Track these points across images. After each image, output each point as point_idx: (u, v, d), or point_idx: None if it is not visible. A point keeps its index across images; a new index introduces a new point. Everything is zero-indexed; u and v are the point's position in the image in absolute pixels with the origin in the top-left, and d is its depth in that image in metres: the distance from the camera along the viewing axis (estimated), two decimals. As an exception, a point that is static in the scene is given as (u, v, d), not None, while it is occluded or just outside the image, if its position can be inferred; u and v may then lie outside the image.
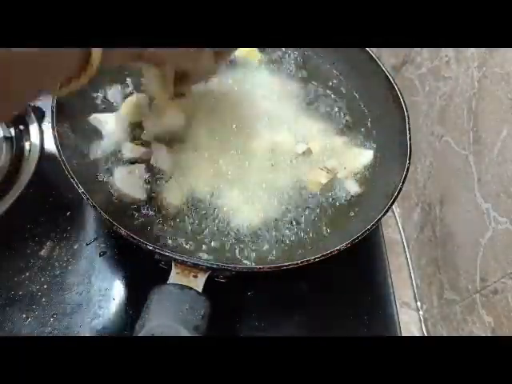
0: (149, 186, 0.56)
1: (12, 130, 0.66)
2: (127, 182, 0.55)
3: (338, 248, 0.48)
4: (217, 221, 0.55)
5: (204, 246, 0.53)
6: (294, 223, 0.56)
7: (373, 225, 0.50)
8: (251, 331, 0.56)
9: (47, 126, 0.68)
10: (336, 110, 0.67)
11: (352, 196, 0.59)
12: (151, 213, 0.54)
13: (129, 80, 0.64)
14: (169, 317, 0.43)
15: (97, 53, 0.38)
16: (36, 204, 0.61)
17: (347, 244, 0.48)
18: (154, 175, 0.56)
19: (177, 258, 0.47)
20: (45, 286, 0.56)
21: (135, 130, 0.60)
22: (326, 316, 0.59)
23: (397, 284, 0.65)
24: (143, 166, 0.57)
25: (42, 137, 0.67)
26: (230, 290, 0.54)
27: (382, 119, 0.65)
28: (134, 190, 0.55)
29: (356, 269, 0.63)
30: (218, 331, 0.51)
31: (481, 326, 0.57)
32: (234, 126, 0.61)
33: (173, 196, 0.55)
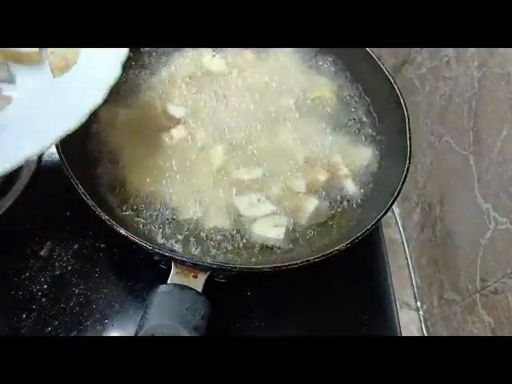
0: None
1: (12, 130, 0.66)
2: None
3: (338, 248, 0.48)
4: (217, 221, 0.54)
5: (204, 247, 0.53)
6: (294, 223, 0.56)
7: (373, 225, 0.50)
8: (251, 331, 0.56)
9: (47, 126, 0.68)
10: (336, 109, 0.67)
11: (352, 196, 0.59)
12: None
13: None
14: (169, 317, 0.43)
15: None
16: (36, 204, 0.61)
17: (347, 244, 0.48)
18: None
19: (177, 258, 0.47)
20: (45, 286, 0.56)
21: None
22: (325, 316, 0.59)
23: (397, 284, 0.65)
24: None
25: (42, 137, 0.68)
26: (230, 290, 0.54)
27: (382, 119, 0.64)
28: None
29: (356, 269, 0.63)
30: (218, 331, 0.51)
31: (481, 325, 0.57)
32: (234, 124, 0.61)
33: (175, 196, 0.55)
